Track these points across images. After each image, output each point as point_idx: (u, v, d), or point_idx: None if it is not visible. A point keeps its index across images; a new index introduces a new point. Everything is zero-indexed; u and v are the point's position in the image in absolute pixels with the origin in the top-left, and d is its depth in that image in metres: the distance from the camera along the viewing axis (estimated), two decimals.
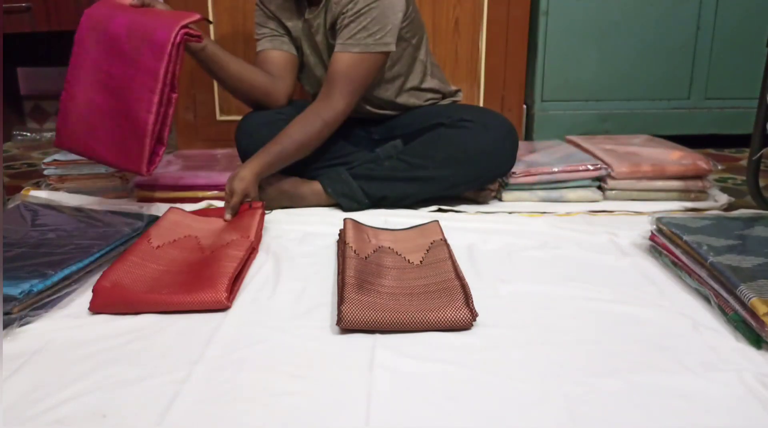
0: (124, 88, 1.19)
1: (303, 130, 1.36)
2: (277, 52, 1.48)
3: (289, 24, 1.48)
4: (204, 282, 0.96)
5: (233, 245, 1.10)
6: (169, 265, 1.05)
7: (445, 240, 1.14)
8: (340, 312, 0.88)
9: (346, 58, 1.37)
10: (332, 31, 1.42)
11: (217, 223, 1.24)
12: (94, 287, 0.96)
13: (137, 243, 1.10)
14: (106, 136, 1.22)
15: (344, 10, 1.37)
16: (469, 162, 1.39)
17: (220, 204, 1.37)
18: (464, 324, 0.88)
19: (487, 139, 1.39)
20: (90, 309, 0.94)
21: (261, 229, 1.22)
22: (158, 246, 1.10)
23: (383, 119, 1.57)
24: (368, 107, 1.54)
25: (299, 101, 1.57)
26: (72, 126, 1.20)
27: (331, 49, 1.43)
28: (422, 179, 1.41)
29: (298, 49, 1.51)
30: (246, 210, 1.27)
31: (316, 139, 1.38)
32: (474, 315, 0.88)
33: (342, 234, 1.17)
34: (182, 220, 1.23)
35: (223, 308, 0.94)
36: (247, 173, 1.30)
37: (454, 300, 0.91)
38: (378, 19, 1.35)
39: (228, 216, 1.26)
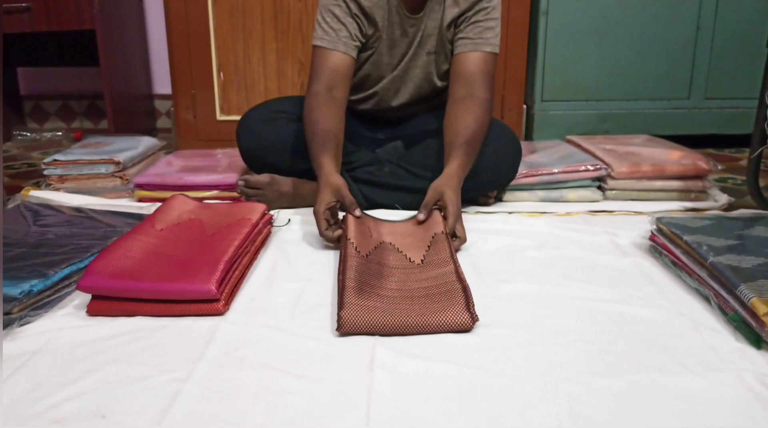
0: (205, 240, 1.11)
1: (477, 121, 1.31)
2: (348, 58, 1.38)
3: (377, 15, 1.39)
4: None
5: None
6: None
7: (446, 233, 1.13)
8: (339, 317, 0.87)
9: (479, 56, 1.37)
10: (450, 27, 1.40)
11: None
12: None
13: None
14: (167, 268, 1.00)
15: (475, 7, 1.37)
16: (470, 171, 1.38)
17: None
18: (465, 328, 0.87)
19: (489, 149, 1.38)
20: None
21: (263, 235, 1.21)
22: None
23: (399, 120, 1.57)
24: (415, 106, 1.55)
25: (298, 97, 1.57)
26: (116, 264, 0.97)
27: (433, 45, 1.43)
28: (422, 189, 1.39)
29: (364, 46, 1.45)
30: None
31: (484, 131, 1.34)
32: (474, 319, 0.88)
33: (344, 226, 1.16)
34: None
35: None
36: (450, 181, 1.21)
37: (455, 303, 0.90)
38: (498, 20, 1.40)
39: (422, 217, 1.19)
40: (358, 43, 1.40)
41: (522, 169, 1.48)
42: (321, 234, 1.17)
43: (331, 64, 1.37)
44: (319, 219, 1.16)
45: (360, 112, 1.57)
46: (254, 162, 1.48)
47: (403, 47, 1.44)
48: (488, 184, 1.44)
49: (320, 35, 1.38)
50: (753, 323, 0.84)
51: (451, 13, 1.39)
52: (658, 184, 1.51)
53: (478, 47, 1.37)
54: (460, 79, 1.38)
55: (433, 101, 1.54)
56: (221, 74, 2.08)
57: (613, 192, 1.52)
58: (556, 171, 1.50)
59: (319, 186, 1.22)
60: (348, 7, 1.37)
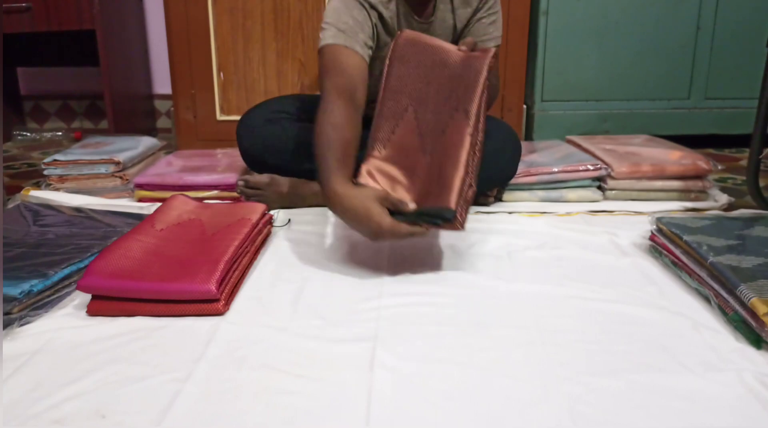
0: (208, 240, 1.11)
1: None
2: (364, 62, 1.26)
3: (394, 25, 1.33)
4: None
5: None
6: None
7: (478, 110, 1.05)
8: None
9: None
10: (466, 27, 1.38)
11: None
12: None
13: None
14: (167, 268, 0.99)
15: (483, 5, 1.36)
16: None
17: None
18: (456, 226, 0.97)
19: (488, 148, 1.37)
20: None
21: (262, 234, 1.21)
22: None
23: None
24: None
25: (300, 95, 1.56)
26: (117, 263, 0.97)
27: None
28: None
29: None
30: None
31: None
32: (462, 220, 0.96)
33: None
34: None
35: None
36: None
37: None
38: (499, 11, 1.39)
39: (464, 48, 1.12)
40: (370, 52, 1.29)
41: (522, 169, 1.48)
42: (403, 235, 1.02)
43: (351, 63, 1.22)
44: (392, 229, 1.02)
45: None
46: (254, 161, 1.48)
47: None
48: (488, 182, 1.43)
49: (333, 34, 1.25)
50: (753, 323, 0.84)
51: (465, 13, 1.37)
52: (658, 184, 1.51)
53: (483, 44, 1.36)
54: None
55: None
56: (221, 74, 2.08)
57: (613, 192, 1.52)
58: (556, 170, 1.50)
59: (352, 201, 1.03)
60: (368, 14, 1.28)
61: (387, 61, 1.12)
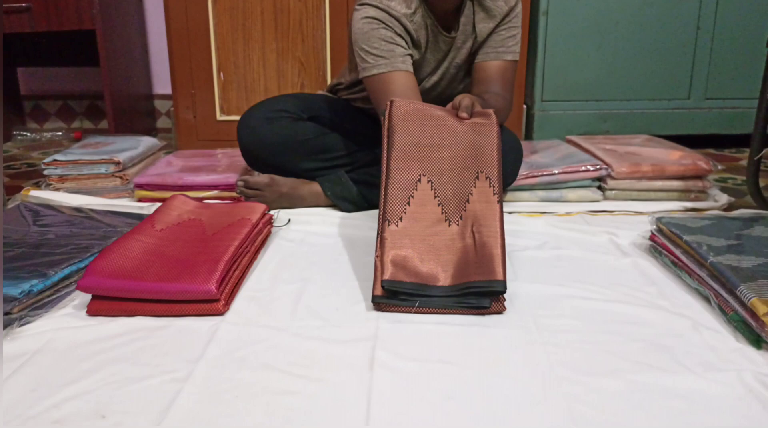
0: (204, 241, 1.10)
1: (488, 99, 1.27)
2: (412, 76, 1.28)
3: (421, 37, 1.33)
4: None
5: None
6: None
7: (498, 176, 1.05)
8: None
9: (500, 65, 1.36)
10: (485, 40, 1.37)
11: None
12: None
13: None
14: (167, 268, 0.98)
15: (506, 18, 1.35)
16: None
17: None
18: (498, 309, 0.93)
19: None
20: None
21: (263, 233, 1.21)
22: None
23: None
24: None
25: (300, 94, 1.56)
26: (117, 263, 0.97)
27: (462, 58, 1.39)
28: None
29: None
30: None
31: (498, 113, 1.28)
32: (502, 302, 0.94)
33: (389, 144, 1.07)
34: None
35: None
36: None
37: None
38: (520, 27, 1.38)
39: (465, 116, 1.09)
40: (411, 57, 1.30)
41: (522, 170, 1.48)
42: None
43: (398, 85, 1.25)
44: None
45: (362, 110, 1.56)
46: (254, 160, 1.48)
47: (434, 63, 1.40)
48: None
49: (372, 63, 1.27)
50: (753, 323, 0.84)
51: (486, 27, 1.36)
52: (658, 184, 1.51)
53: (500, 56, 1.36)
54: (479, 84, 1.37)
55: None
56: (221, 74, 2.08)
57: (613, 192, 1.52)
58: (556, 172, 1.49)
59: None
60: (393, 29, 1.28)
61: (386, 129, 1.09)
